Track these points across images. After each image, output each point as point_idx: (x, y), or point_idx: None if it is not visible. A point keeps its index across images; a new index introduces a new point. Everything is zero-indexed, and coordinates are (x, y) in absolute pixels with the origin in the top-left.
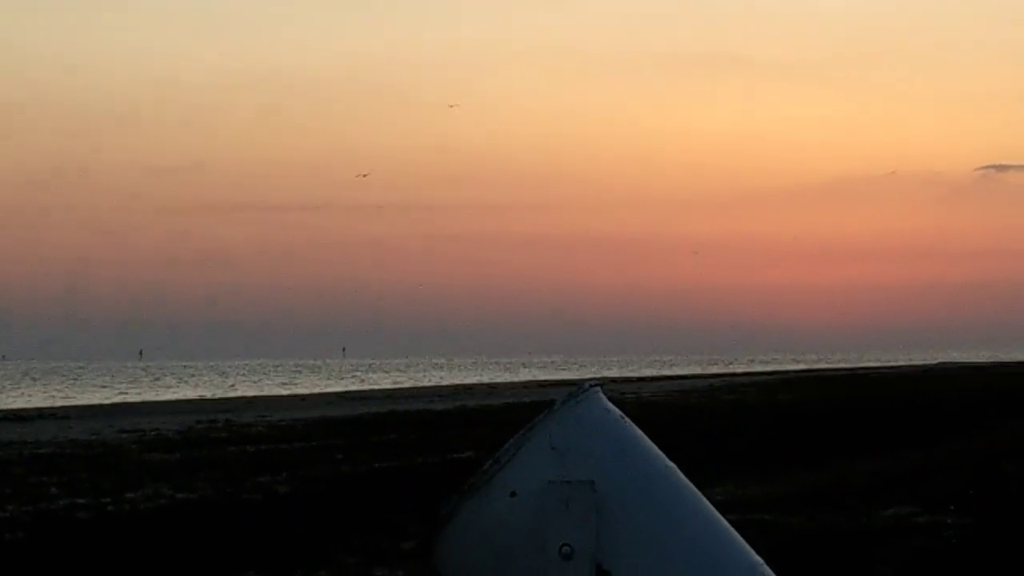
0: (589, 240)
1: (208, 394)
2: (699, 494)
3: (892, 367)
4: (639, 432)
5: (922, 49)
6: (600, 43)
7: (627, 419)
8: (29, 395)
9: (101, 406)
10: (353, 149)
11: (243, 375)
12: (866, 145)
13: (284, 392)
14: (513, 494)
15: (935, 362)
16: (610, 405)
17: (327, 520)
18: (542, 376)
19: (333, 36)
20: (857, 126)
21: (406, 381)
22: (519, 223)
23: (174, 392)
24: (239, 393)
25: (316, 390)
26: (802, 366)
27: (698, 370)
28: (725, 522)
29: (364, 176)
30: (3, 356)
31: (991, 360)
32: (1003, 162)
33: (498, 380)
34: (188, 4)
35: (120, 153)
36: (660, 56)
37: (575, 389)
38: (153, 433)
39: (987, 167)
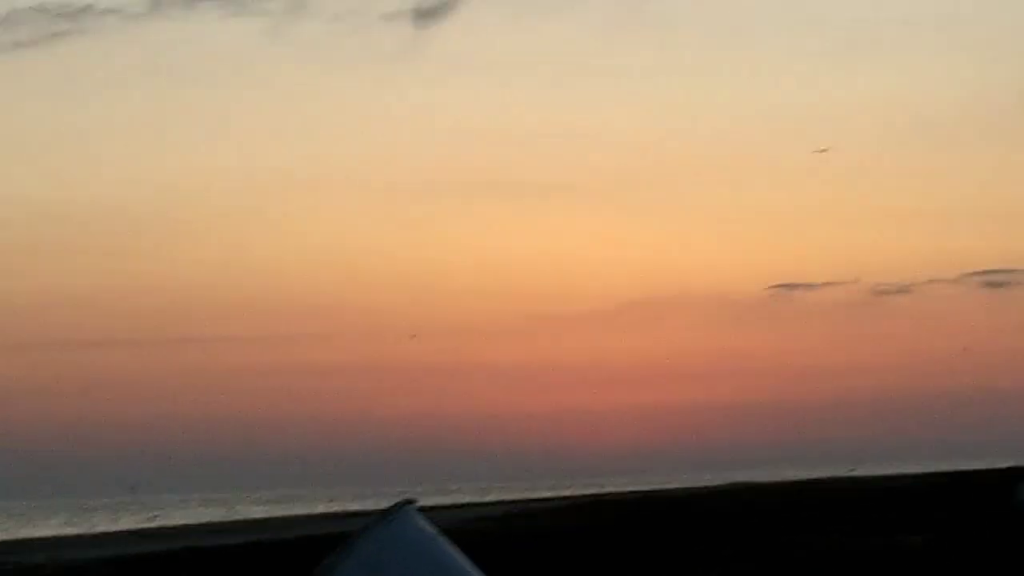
0: (374, 369)
1: None
2: None
3: (684, 488)
4: (456, 550)
5: (708, 170)
6: (376, 170)
7: (443, 536)
8: None
9: None
10: (136, 282)
11: (28, 514)
12: (656, 266)
13: (74, 531)
14: None
15: (727, 482)
16: (425, 523)
17: None
18: (326, 508)
19: (112, 164)
20: (647, 248)
21: (201, 517)
22: (307, 353)
23: None
24: (26, 534)
25: (109, 528)
26: (592, 490)
27: (493, 497)
28: None
29: None
30: None
31: (784, 479)
32: (791, 281)
33: (286, 513)
34: None
35: None
36: (441, 183)
37: (390, 506)
38: None
39: (777, 286)
